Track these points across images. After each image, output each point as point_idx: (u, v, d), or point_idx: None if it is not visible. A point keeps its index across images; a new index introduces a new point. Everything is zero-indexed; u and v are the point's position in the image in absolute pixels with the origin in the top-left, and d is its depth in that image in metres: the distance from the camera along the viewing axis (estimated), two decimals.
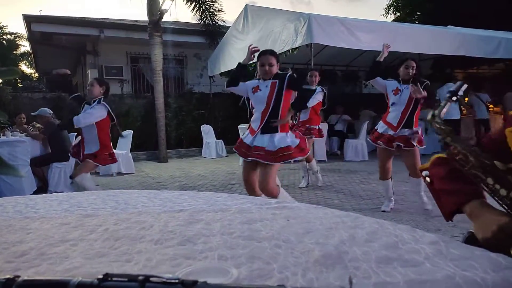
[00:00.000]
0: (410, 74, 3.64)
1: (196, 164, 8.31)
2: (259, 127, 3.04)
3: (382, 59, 3.70)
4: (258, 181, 3.10)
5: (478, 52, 7.76)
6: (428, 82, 3.70)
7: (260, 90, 3.07)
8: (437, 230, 3.25)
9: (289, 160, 3.10)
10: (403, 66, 3.68)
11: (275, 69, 3.03)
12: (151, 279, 0.45)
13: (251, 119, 3.17)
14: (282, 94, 3.01)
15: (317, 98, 5.00)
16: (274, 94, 3.02)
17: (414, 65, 3.66)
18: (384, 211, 3.87)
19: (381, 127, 3.85)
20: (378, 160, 3.97)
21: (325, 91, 5.13)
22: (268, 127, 3.01)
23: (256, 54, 3.09)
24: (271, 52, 3.08)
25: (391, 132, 3.71)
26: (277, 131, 3.01)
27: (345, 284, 0.47)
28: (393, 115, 3.74)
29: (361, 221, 0.87)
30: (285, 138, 3.01)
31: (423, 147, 3.79)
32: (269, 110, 3.01)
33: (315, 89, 4.97)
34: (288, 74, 3.05)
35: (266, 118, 3.01)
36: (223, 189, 5.38)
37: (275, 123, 3.00)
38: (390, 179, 3.95)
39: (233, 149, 3.35)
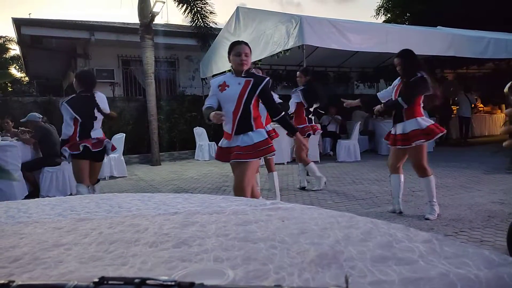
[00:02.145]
0: (398, 69, 3.69)
1: (189, 166, 8.29)
2: (233, 130, 2.81)
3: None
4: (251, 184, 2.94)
5: (468, 52, 7.86)
6: (419, 75, 3.50)
7: (229, 86, 2.82)
8: (430, 229, 3.27)
9: (271, 155, 2.96)
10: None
11: (250, 62, 2.82)
12: (148, 281, 0.45)
13: (225, 121, 2.83)
14: (254, 96, 2.79)
15: (295, 101, 4.96)
16: (246, 93, 2.78)
17: (396, 61, 3.65)
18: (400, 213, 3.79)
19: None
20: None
21: (300, 91, 4.92)
22: (243, 127, 2.80)
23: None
24: (245, 43, 2.88)
25: (392, 131, 3.75)
26: (252, 129, 2.80)
27: (341, 283, 0.47)
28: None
29: (356, 221, 0.87)
30: (262, 132, 2.84)
31: (444, 132, 3.67)
32: (240, 110, 2.77)
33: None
34: (267, 79, 2.83)
35: (238, 119, 2.79)
36: (216, 191, 5.38)
37: None
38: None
39: (214, 158, 3.12)
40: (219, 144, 3.00)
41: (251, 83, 2.79)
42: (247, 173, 2.79)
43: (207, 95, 3.12)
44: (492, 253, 0.64)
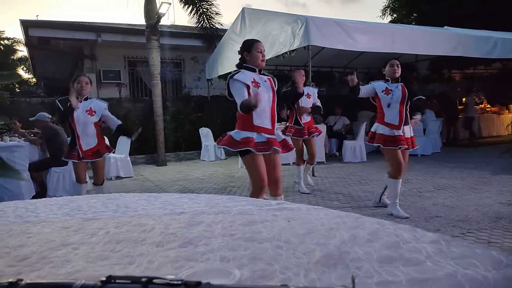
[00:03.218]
0: (397, 73, 3.77)
1: (195, 167, 8.31)
2: (273, 125, 2.92)
3: (354, 83, 3.69)
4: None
5: (475, 52, 7.80)
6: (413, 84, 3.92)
7: (260, 85, 2.87)
8: (436, 230, 3.25)
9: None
10: (388, 66, 3.82)
11: None
12: (154, 280, 0.45)
13: (256, 116, 2.84)
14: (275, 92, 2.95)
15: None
16: (276, 91, 2.96)
17: (398, 63, 3.82)
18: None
19: (381, 129, 3.82)
20: (395, 160, 3.74)
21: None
22: (275, 123, 2.98)
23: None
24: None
25: (400, 133, 3.73)
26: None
27: (347, 284, 0.47)
28: (392, 114, 3.78)
29: (362, 221, 0.87)
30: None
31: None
32: (275, 107, 2.94)
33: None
34: (273, 76, 3.01)
35: (275, 115, 2.95)
36: (222, 192, 5.38)
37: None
38: None
39: (258, 152, 2.86)
40: (257, 139, 2.85)
41: (272, 81, 2.94)
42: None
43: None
44: (500, 254, 0.64)
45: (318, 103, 5.12)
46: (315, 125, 5.28)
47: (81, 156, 3.82)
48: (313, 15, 7.09)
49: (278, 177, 2.97)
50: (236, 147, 2.83)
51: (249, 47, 2.92)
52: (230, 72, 8.52)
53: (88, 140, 3.82)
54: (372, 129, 3.93)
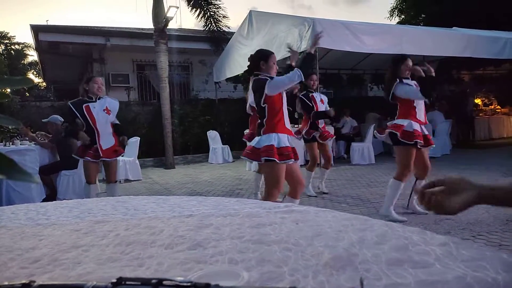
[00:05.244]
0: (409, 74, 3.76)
1: (203, 170, 8.33)
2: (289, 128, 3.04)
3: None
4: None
5: (484, 53, 7.72)
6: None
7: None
8: (446, 232, 3.22)
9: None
10: (405, 65, 3.75)
11: None
12: (164, 282, 0.45)
13: (283, 122, 2.93)
14: None
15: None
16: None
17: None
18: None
19: (413, 124, 3.62)
20: (410, 160, 3.68)
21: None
22: None
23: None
24: None
25: (424, 130, 3.71)
26: None
27: (355, 286, 0.47)
28: (421, 111, 3.73)
29: (371, 223, 0.87)
30: None
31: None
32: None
33: None
34: None
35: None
36: (230, 194, 5.39)
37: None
38: None
39: (288, 159, 2.87)
40: (284, 145, 2.89)
41: None
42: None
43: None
44: (510, 257, 0.63)
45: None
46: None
47: (101, 155, 3.88)
48: (319, 17, 7.09)
49: (300, 181, 3.09)
50: (258, 158, 2.89)
51: (266, 58, 2.97)
52: (238, 75, 8.45)
53: (107, 138, 3.91)
54: (408, 128, 3.63)
